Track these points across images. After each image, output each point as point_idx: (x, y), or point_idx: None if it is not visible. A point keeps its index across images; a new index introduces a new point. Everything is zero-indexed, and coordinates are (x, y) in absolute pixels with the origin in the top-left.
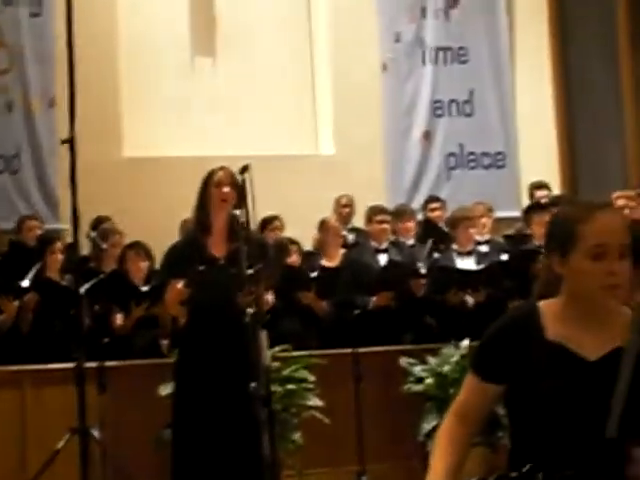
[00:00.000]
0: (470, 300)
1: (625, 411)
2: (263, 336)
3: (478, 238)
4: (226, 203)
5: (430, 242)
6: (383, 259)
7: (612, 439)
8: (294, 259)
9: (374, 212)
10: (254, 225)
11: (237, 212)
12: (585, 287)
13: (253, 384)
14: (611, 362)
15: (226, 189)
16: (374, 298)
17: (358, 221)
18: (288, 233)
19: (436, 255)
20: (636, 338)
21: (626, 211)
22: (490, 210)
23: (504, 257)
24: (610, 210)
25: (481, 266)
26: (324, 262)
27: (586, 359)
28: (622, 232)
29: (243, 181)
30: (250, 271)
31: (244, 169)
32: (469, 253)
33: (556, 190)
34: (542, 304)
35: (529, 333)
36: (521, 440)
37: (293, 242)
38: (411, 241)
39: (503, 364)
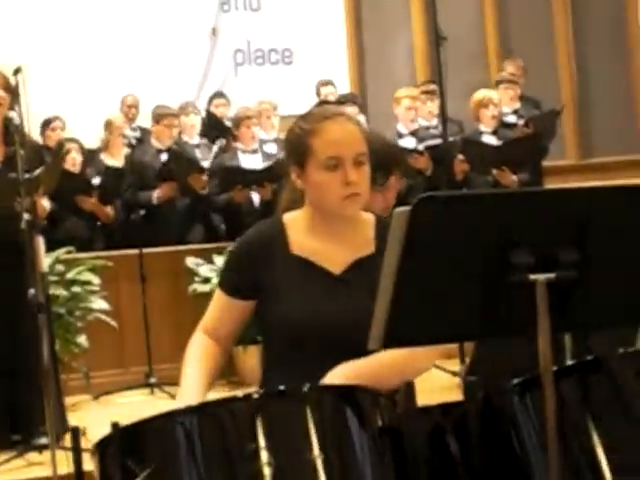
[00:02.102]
0: (256, 198)
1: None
2: (40, 242)
3: (265, 137)
4: (0, 106)
5: (218, 143)
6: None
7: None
8: (74, 158)
9: (158, 112)
10: (30, 128)
11: (12, 114)
12: (323, 199)
13: (31, 290)
14: (353, 274)
15: None
16: (156, 191)
17: (145, 120)
18: (76, 134)
19: (221, 155)
20: (398, 239)
21: (412, 112)
22: (275, 108)
23: None
24: (341, 120)
25: (266, 164)
26: (107, 161)
27: (331, 272)
28: (354, 141)
29: (17, 83)
30: (27, 176)
31: (17, 70)
32: (254, 152)
33: (344, 87)
34: (287, 218)
35: (274, 248)
36: (270, 355)
37: (74, 141)
38: (196, 140)
39: (248, 280)
